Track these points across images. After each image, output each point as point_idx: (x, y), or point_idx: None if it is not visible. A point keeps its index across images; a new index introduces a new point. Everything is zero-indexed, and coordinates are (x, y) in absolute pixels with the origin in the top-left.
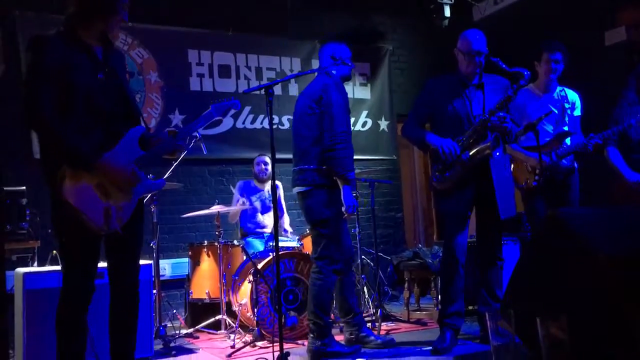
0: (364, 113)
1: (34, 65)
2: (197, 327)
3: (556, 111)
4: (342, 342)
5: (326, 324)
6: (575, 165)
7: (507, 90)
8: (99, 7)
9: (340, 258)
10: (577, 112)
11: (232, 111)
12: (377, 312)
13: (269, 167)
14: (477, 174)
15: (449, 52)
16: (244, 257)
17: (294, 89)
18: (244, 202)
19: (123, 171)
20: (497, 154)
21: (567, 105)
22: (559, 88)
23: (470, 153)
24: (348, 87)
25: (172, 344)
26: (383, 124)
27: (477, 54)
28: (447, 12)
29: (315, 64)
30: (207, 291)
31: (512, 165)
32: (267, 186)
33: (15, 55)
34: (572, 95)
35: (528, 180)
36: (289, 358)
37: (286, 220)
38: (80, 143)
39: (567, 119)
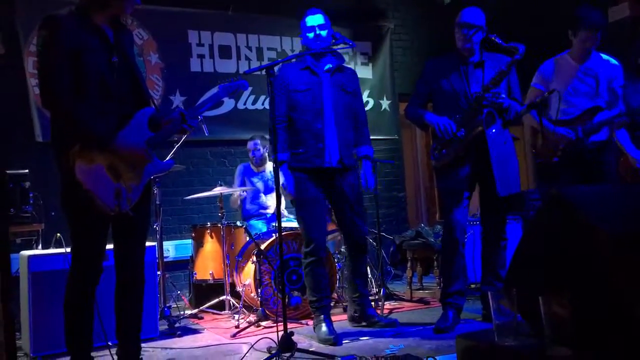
0: (366, 93)
1: (48, 44)
2: (201, 308)
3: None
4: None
5: (311, 304)
6: (617, 134)
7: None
8: None
9: (310, 240)
10: (619, 83)
11: (241, 91)
12: (380, 291)
13: (262, 150)
14: (475, 151)
15: (451, 31)
16: (247, 238)
17: None
18: (244, 191)
19: (136, 150)
20: (493, 130)
21: (602, 77)
22: (595, 56)
23: (466, 130)
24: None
25: (177, 325)
26: (385, 104)
27: (464, 26)
28: None
29: None
30: (210, 272)
31: (539, 139)
32: (269, 167)
33: (14, 37)
34: (612, 65)
35: (549, 156)
36: (292, 337)
37: (282, 203)
38: (96, 122)
39: (600, 91)
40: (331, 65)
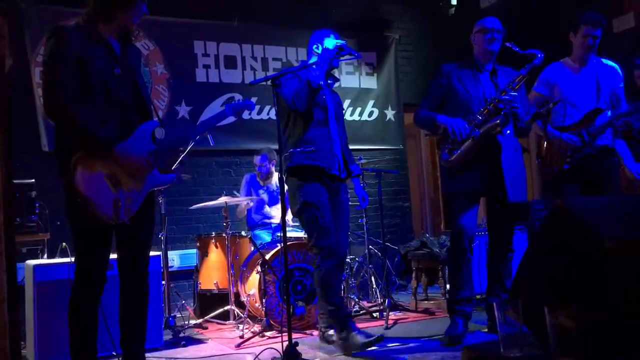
0: (371, 102)
1: (53, 53)
2: (206, 318)
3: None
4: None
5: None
6: (616, 145)
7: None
8: (118, 0)
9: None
10: (619, 84)
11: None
12: (384, 301)
13: (268, 165)
14: (486, 157)
15: (456, 41)
16: (252, 248)
17: None
18: (250, 202)
19: (137, 160)
20: (508, 131)
21: (603, 80)
22: (595, 60)
23: (481, 130)
24: (354, 77)
25: (181, 335)
26: (390, 114)
27: (492, 31)
28: (454, 0)
29: None
30: (215, 282)
31: (544, 148)
32: (274, 178)
33: (22, 49)
34: (611, 67)
35: (559, 163)
36: (297, 348)
37: (289, 213)
38: (98, 128)
39: (601, 94)
40: (330, 82)
